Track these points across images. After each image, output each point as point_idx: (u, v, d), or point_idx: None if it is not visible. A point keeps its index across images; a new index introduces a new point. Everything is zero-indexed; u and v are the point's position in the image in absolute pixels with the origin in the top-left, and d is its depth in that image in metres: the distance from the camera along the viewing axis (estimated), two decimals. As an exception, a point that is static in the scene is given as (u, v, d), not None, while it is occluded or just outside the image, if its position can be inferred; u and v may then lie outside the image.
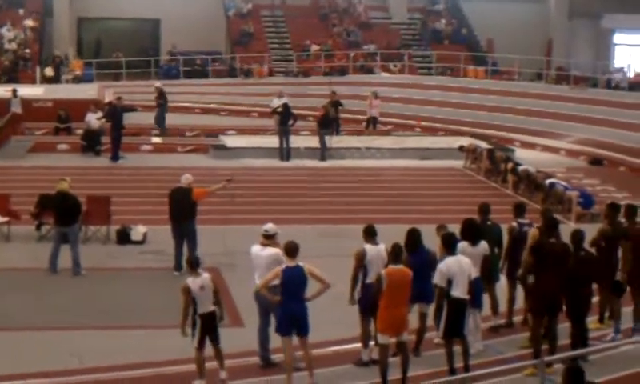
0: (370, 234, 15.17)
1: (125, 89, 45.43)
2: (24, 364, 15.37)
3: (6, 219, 23.48)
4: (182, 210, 21.03)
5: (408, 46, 54.92)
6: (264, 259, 15.05)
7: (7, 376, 14.74)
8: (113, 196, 24.87)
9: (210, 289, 14.39)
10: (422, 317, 15.50)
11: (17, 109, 37.06)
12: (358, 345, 15.23)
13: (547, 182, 28.87)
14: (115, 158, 33.66)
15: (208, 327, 14.31)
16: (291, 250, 14.41)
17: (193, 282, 14.32)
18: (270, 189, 30.03)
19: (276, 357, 15.00)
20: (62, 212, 21.00)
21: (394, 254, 14.32)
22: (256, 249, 15.28)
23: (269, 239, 15.28)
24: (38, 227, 23.58)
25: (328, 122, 35.55)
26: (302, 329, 14.33)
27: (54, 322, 17.65)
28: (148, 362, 15.48)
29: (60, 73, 49.87)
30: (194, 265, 14.62)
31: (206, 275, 14.50)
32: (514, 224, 16.62)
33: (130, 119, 36.58)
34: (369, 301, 14.71)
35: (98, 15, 59.16)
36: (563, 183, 29.04)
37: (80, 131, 36.31)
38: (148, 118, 39.15)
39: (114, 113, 34.10)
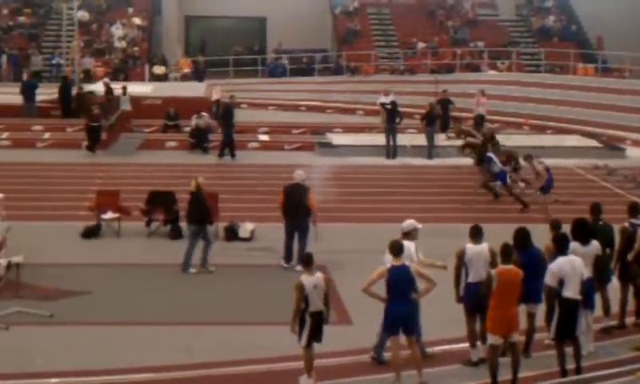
0: (473, 234, 15.12)
1: (231, 87, 45.78)
2: (130, 357, 15.63)
3: (116, 215, 23.81)
4: (298, 206, 21.07)
5: (516, 44, 54.30)
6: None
7: (116, 370, 15.06)
8: (220, 193, 25.03)
9: (322, 288, 14.38)
10: (531, 317, 15.30)
11: (126, 106, 37.59)
12: (467, 344, 15.10)
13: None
14: (222, 155, 33.93)
15: (316, 326, 14.30)
16: (396, 249, 14.33)
17: (307, 280, 14.34)
18: (375, 187, 29.95)
19: (386, 355, 14.94)
20: (195, 210, 21.03)
21: (505, 254, 14.16)
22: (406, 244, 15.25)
23: (406, 236, 15.25)
24: (148, 223, 23.88)
25: (433, 119, 35.28)
26: (409, 328, 14.25)
27: (164, 317, 17.82)
28: (256, 359, 15.55)
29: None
30: (309, 263, 14.61)
31: (319, 274, 14.50)
32: (627, 224, 16.29)
33: (237, 117, 36.82)
34: (472, 300, 14.64)
35: (205, 14, 59.79)
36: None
37: (188, 128, 36.67)
38: (254, 116, 39.42)
39: (227, 111, 34.33)
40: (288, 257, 21.07)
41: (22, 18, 54.11)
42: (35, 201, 26.97)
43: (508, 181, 27.65)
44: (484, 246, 14.93)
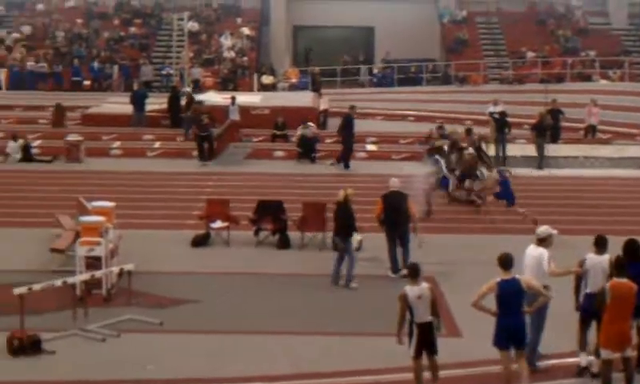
0: (597, 243, 14.92)
1: (338, 96, 45.88)
2: (239, 366, 15.73)
3: (225, 224, 23.96)
4: (398, 214, 20.97)
5: (628, 53, 53.32)
6: (531, 259, 14.99)
7: (225, 379, 15.16)
8: (328, 203, 25.01)
9: (428, 298, 14.23)
10: (641, 331, 14.96)
11: (235, 116, 37.86)
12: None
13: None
14: (347, 165, 33.85)
15: (425, 337, 14.16)
16: (506, 261, 14.12)
17: (410, 290, 14.22)
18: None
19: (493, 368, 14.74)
20: (341, 222, 20.88)
21: (618, 267, 13.89)
22: (529, 249, 15.18)
23: (541, 242, 15.13)
24: (257, 233, 23.99)
25: (543, 130, 34.80)
26: (520, 342, 14.03)
27: (273, 325, 17.85)
28: (362, 370, 15.51)
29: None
30: (415, 273, 14.49)
31: (424, 285, 14.35)
32: None
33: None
34: (588, 310, 14.38)
35: (312, 24, 60.02)
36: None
37: (295, 139, 36.76)
38: (362, 126, 39.33)
39: (347, 121, 34.28)
40: (394, 267, 20.99)
41: (132, 29, 55.05)
42: (146, 209, 27.30)
43: (450, 187, 27.47)
44: (605, 258, 14.68)
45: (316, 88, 45.88)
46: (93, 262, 19.29)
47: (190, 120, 36.71)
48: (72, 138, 35.35)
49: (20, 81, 49.68)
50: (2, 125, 39.91)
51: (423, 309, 14.20)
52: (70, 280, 18.27)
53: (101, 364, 15.78)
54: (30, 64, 50.50)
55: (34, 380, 15.16)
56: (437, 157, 28.12)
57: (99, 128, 38.41)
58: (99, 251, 19.26)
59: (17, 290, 16.73)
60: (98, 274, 18.93)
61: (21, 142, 34.77)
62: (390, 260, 21.13)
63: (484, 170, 28.16)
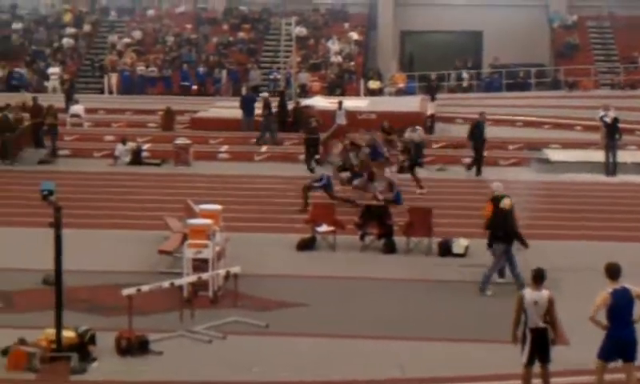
0: None
1: (447, 101, 45.63)
2: (344, 370, 15.74)
3: (331, 228, 23.99)
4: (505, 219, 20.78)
5: None
6: None
7: (329, 382, 15.23)
8: (435, 208, 24.87)
9: (544, 306, 14.04)
10: None
11: (341, 120, 37.87)
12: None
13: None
14: (479, 171, 33.49)
15: (538, 344, 13.96)
16: (614, 271, 13.83)
17: (529, 294, 14.11)
18: (593, 204, 29.20)
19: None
20: (502, 228, 20.52)
21: None
22: None
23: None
24: (362, 237, 23.95)
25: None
26: (630, 354, 13.74)
27: (378, 330, 17.78)
28: (468, 376, 15.41)
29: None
30: (538, 278, 14.31)
31: (544, 292, 14.17)
32: None
33: (452, 132, 36.57)
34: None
35: (420, 28, 59.82)
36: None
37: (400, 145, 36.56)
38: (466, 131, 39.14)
39: (477, 127, 33.98)
40: (500, 271, 20.79)
41: (241, 34, 55.55)
42: (252, 213, 27.47)
43: (333, 187, 27.71)
44: None
45: (431, 93, 45.45)
46: (200, 264, 19.47)
47: (265, 125, 37.23)
48: (181, 141, 35.81)
49: (130, 85, 50.53)
50: (112, 128, 40.59)
51: (537, 315, 14.02)
52: (178, 282, 18.50)
53: (207, 365, 15.92)
54: (140, 69, 51.33)
55: (141, 380, 15.35)
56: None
57: (207, 132, 38.85)
58: (206, 254, 19.43)
59: (125, 291, 16.98)
60: (204, 276, 19.10)
61: (131, 145, 35.32)
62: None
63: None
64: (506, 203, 20.49)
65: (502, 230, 20.28)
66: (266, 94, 41.24)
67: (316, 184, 27.98)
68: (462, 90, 53.17)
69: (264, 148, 37.20)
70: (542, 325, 13.99)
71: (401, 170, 30.71)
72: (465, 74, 53.65)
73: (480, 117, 34.52)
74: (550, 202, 27.71)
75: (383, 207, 24.27)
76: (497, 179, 23.26)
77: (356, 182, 28.64)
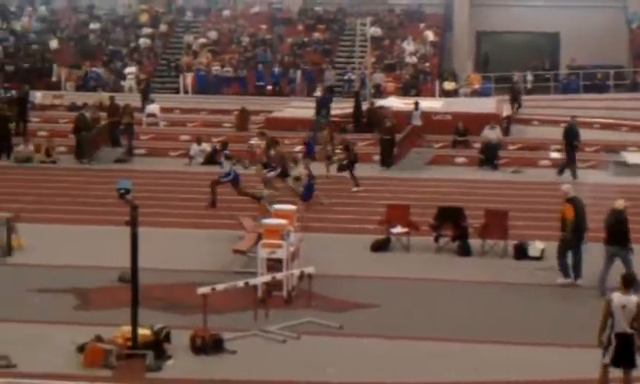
0: None
1: (525, 103, 45.22)
2: (418, 372, 15.68)
3: (405, 230, 23.89)
4: (582, 221, 20.65)
5: None
6: None
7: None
8: (510, 210, 24.65)
9: (632, 311, 13.83)
10: None
11: (417, 121, 37.75)
12: None
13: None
14: (573, 174, 33.06)
15: (623, 349, 13.77)
16: None
17: (617, 298, 13.95)
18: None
19: None
20: (613, 231, 20.16)
21: None
22: None
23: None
24: (437, 239, 23.82)
25: None
26: None
27: (451, 333, 17.67)
28: (543, 381, 15.29)
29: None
30: (628, 283, 14.14)
31: (634, 297, 13.95)
32: None
33: (528, 134, 36.18)
34: None
35: (496, 29, 59.37)
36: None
37: (478, 145, 36.39)
38: (545, 133, 38.72)
39: (571, 130, 33.58)
40: (565, 271, 20.84)
41: (316, 34, 55.56)
42: (326, 213, 27.49)
43: (240, 181, 28.38)
44: None
45: (514, 96, 44.98)
46: (274, 264, 19.50)
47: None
48: (255, 141, 35.92)
49: (205, 85, 50.82)
50: (187, 128, 40.86)
51: (624, 320, 13.83)
52: (252, 281, 18.54)
53: (281, 365, 15.93)
54: (216, 69, 51.59)
55: (215, 378, 15.38)
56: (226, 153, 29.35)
57: (282, 132, 38.90)
58: (280, 254, 19.46)
59: (200, 290, 17.06)
60: (279, 276, 19.13)
61: (205, 145, 35.51)
62: (562, 265, 20.88)
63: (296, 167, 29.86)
64: (620, 204, 20.23)
65: (616, 231, 19.95)
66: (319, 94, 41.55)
67: (223, 179, 28.38)
68: (539, 91, 52.53)
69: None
70: (629, 330, 13.77)
71: (340, 169, 32.00)
72: (529, 76, 52.99)
73: (572, 120, 34.16)
74: (630, 206, 27.32)
75: (459, 209, 24.10)
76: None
77: (270, 174, 29.80)
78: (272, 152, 31.25)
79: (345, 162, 32.01)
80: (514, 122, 41.02)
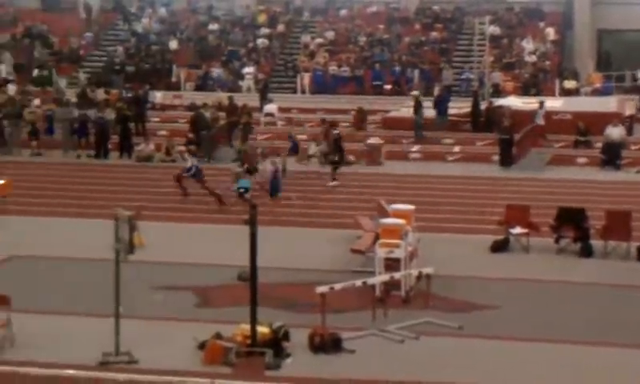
0: None
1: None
2: (551, 376, 15.50)
3: (525, 231, 23.58)
4: None
5: None
6: None
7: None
8: (634, 211, 24.13)
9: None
10: None
11: (540, 121, 37.26)
12: None
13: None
14: None
15: None
16: None
17: None
18: None
19: None
20: None
21: None
22: None
23: None
24: (557, 240, 23.44)
25: None
26: None
27: (571, 335, 17.38)
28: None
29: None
30: None
31: None
32: None
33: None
34: None
35: (618, 27, 58.21)
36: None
37: (599, 144, 35.73)
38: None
39: None
40: None
41: (433, 34, 55.23)
42: (444, 213, 27.31)
43: (202, 176, 28.92)
44: None
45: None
46: (392, 264, 19.44)
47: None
48: (372, 140, 35.86)
49: (323, 85, 50.92)
50: (305, 128, 41.00)
51: None
52: (370, 281, 18.49)
53: (399, 365, 15.86)
54: (333, 68, 51.67)
55: (333, 377, 15.37)
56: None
57: (399, 131, 38.80)
58: (399, 253, 19.41)
59: (319, 289, 17.08)
60: (397, 275, 19.06)
61: (322, 146, 35.57)
62: None
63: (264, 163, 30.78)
64: None
65: None
66: (416, 92, 41.16)
67: (185, 174, 28.99)
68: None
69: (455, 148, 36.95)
70: None
71: (332, 164, 32.34)
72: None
73: None
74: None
75: (580, 210, 23.68)
76: None
77: (237, 170, 30.52)
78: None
79: (336, 159, 32.29)
80: (638, 121, 40.15)
